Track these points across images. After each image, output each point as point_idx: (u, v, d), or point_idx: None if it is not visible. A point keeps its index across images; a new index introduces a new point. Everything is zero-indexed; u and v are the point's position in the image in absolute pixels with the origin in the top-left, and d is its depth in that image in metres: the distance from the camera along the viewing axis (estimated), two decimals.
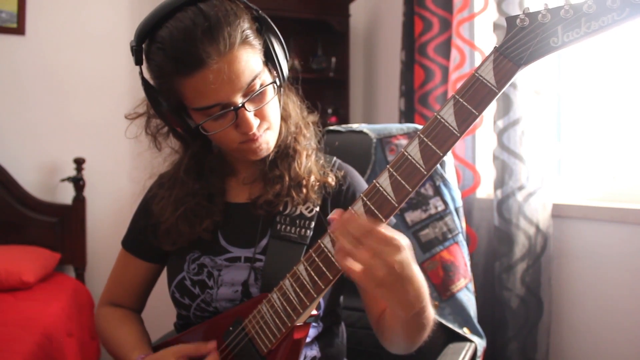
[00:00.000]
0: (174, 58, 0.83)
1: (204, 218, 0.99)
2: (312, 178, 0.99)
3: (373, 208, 0.72)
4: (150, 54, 0.87)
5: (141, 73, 0.90)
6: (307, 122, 1.05)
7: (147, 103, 0.97)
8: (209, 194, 1.01)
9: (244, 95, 0.86)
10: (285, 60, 0.94)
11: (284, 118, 1.00)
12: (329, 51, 2.98)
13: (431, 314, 0.83)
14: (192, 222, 0.98)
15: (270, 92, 0.90)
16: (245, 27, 0.86)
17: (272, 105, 0.92)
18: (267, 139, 0.93)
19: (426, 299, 0.77)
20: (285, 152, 1.00)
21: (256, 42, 0.88)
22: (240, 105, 0.85)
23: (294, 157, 0.99)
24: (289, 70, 0.97)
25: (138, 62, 0.89)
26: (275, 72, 0.92)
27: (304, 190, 0.98)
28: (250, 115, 0.87)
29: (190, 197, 0.99)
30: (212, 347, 0.89)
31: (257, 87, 0.87)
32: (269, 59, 0.90)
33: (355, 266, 0.70)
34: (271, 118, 0.92)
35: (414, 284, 0.73)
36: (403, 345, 0.91)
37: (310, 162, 1.00)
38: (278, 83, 0.92)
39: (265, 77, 0.90)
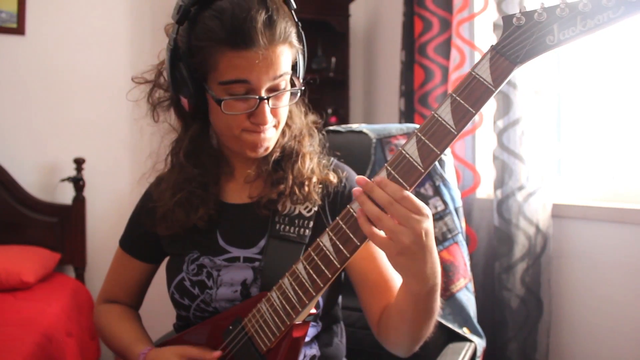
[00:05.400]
0: (230, 29, 0.85)
1: (198, 207, 0.99)
2: (315, 179, 1.00)
3: None
4: (199, 18, 0.88)
5: (175, 34, 0.89)
6: (312, 129, 1.06)
7: (156, 72, 0.99)
8: (204, 183, 1.01)
9: (269, 90, 0.90)
10: (303, 75, 0.99)
11: (288, 124, 1.02)
12: (329, 51, 2.98)
13: (439, 301, 0.84)
14: (187, 210, 0.99)
15: (289, 96, 0.95)
16: (292, 31, 0.91)
17: (285, 109, 0.97)
18: (270, 136, 0.95)
19: (439, 278, 0.79)
20: (289, 155, 1.01)
21: (294, 49, 0.93)
22: (265, 97, 0.88)
23: (297, 159, 1.01)
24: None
25: (181, 21, 0.88)
26: (296, 80, 0.96)
27: (306, 189, 0.99)
28: (268, 110, 0.90)
29: (188, 183, 1.00)
30: (217, 355, 0.89)
31: (282, 86, 0.91)
32: (295, 68, 0.96)
33: (379, 232, 0.72)
34: (281, 119, 0.96)
35: (433, 256, 0.75)
36: (408, 340, 0.89)
37: (313, 164, 1.02)
38: (299, 93, 0.96)
39: (289, 80, 0.94)
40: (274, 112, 0.93)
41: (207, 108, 0.95)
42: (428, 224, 0.72)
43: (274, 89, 0.90)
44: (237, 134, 0.93)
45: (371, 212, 0.72)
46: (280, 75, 0.89)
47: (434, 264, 0.76)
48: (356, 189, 0.74)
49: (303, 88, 0.97)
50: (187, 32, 0.89)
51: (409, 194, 0.71)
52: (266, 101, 0.89)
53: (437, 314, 0.86)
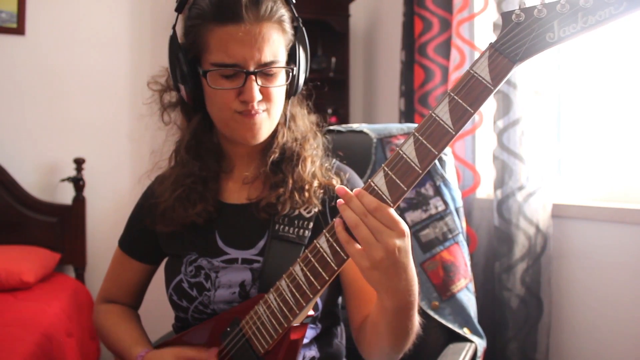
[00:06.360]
0: (217, 4, 0.88)
1: (196, 202, 0.99)
2: (316, 183, 0.99)
3: None
4: (194, 3, 0.92)
5: (175, 22, 0.93)
6: (316, 133, 1.06)
7: (167, 75, 1.01)
8: (204, 178, 1.01)
9: (258, 68, 0.90)
10: (304, 71, 0.98)
11: (290, 127, 1.02)
12: (329, 51, 2.98)
13: (416, 322, 0.83)
14: (186, 206, 0.99)
15: (282, 79, 0.94)
16: (285, 16, 0.93)
17: (278, 92, 0.95)
18: (261, 121, 0.94)
19: (415, 296, 0.77)
20: (289, 157, 1.00)
21: (287, 35, 0.93)
22: (252, 71, 0.89)
23: (298, 163, 1.00)
24: (304, 85, 1.02)
25: (179, 9, 0.93)
26: (292, 72, 0.96)
27: (306, 194, 0.98)
28: (256, 86, 0.90)
29: (188, 178, 1.00)
30: (213, 353, 0.89)
31: (274, 71, 0.92)
32: (292, 59, 0.96)
33: (355, 243, 0.71)
34: (273, 102, 0.94)
35: (407, 273, 0.73)
36: (379, 354, 0.89)
37: (314, 168, 1.01)
38: (291, 76, 0.95)
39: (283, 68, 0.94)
40: (264, 92, 0.92)
41: (204, 98, 0.96)
42: (402, 241, 0.70)
43: (263, 68, 0.90)
44: (229, 115, 0.92)
45: (349, 219, 0.71)
46: (269, 63, 0.90)
47: (409, 282, 0.74)
48: (339, 201, 0.73)
49: (294, 68, 0.96)
50: (185, 19, 0.92)
51: (387, 207, 0.69)
52: (253, 77, 0.89)
53: (414, 334, 0.84)
